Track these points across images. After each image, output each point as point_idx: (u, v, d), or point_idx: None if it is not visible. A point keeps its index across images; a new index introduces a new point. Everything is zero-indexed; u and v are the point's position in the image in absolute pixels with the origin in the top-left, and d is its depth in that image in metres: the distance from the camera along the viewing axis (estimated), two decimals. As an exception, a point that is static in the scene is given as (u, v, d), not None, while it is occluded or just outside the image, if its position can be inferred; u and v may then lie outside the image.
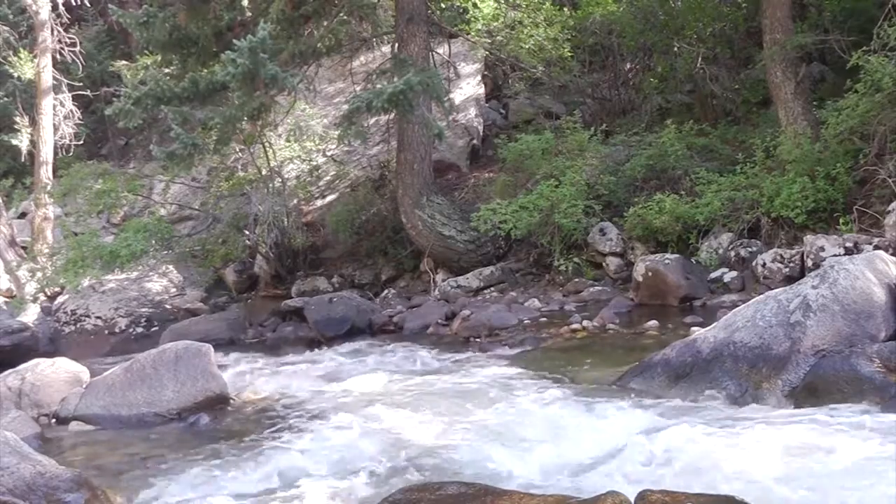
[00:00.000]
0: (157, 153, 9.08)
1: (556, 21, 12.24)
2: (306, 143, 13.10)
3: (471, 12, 12.75)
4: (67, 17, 15.15)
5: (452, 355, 7.09)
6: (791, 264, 7.63)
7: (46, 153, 14.20)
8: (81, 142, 15.56)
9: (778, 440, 4.01)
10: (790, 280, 6.91)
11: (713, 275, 8.23)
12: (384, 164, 12.14)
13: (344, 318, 8.74)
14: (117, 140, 18.23)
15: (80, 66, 15.27)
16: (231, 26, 9.68)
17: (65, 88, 15.13)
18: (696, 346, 5.24)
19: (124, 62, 15.52)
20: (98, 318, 10.87)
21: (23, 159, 15.81)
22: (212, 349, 6.28)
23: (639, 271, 8.22)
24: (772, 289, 6.00)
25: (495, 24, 12.56)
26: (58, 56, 14.87)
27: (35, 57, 14.62)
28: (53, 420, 6.04)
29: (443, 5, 13.03)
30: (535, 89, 14.04)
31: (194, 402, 5.88)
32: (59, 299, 11.34)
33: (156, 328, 10.46)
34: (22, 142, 15.54)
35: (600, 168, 9.76)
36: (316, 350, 8.14)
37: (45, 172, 14.08)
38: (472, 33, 12.65)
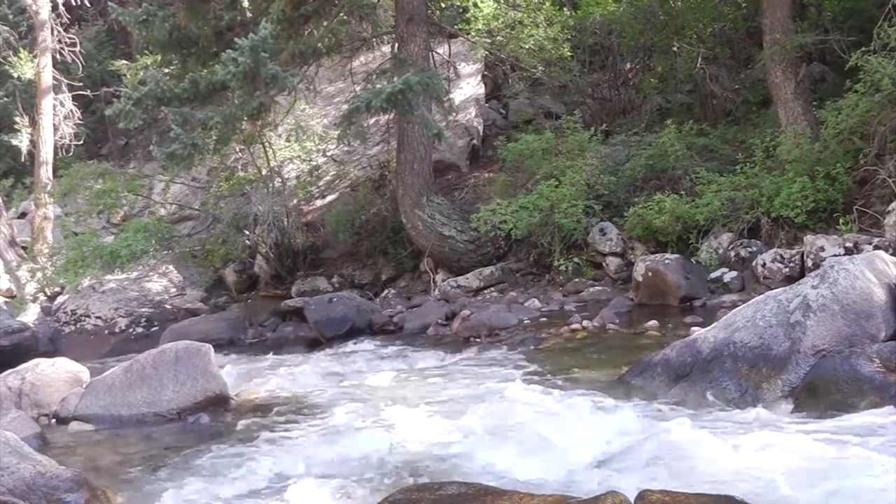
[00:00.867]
0: (157, 153, 9.07)
1: (556, 21, 12.24)
2: (306, 143, 13.10)
3: (471, 12, 12.75)
4: (67, 17, 15.17)
5: (452, 355, 7.09)
6: (791, 264, 7.63)
7: (46, 153, 14.20)
8: (81, 142, 15.57)
9: (778, 440, 4.01)
10: (790, 280, 6.91)
11: (713, 275, 8.23)
12: (384, 164, 12.14)
13: (344, 318, 8.74)
14: (117, 140, 18.24)
15: (80, 66, 15.28)
16: (231, 26, 9.68)
17: (65, 88, 15.14)
18: (696, 346, 5.24)
19: (124, 62, 15.53)
20: (98, 318, 10.87)
21: (23, 159, 15.82)
22: (212, 349, 6.28)
23: (639, 271, 8.22)
24: (772, 289, 5.99)
25: (495, 23, 12.56)
26: (58, 56, 14.88)
27: (35, 57, 14.63)
28: (53, 420, 6.03)
29: (443, 5, 13.03)
30: (535, 89, 14.05)
31: (194, 402, 5.88)
32: (59, 299, 11.34)
33: (156, 328, 10.46)
34: (22, 142, 15.55)
35: (600, 168, 9.76)
36: (316, 350, 8.14)
37: (45, 172, 14.08)
38: (472, 33, 12.65)
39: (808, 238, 7.68)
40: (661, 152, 9.54)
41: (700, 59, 11.09)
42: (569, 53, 12.33)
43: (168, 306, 11.21)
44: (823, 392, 4.54)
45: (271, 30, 8.34)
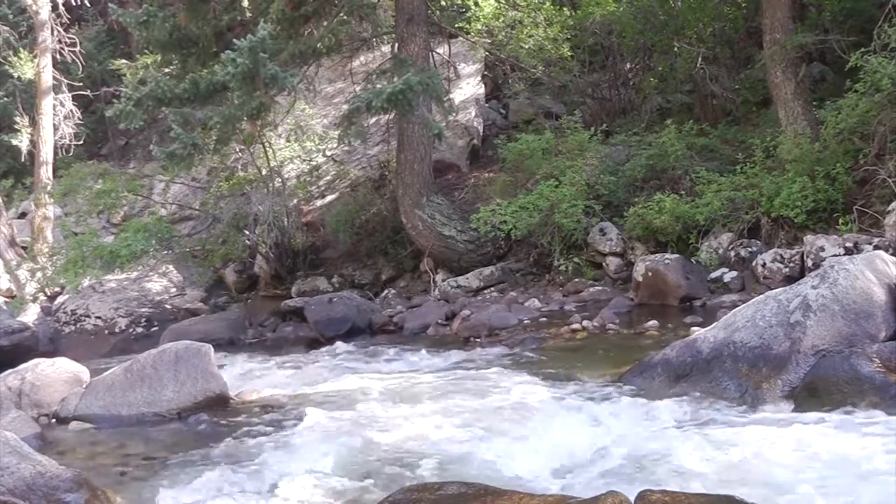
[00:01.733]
0: (157, 153, 9.08)
1: (556, 21, 12.24)
2: (306, 143, 13.10)
3: (471, 12, 12.75)
4: (67, 17, 15.15)
5: (452, 355, 7.08)
6: (791, 264, 7.63)
7: (46, 153, 14.19)
8: (81, 142, 15.55)
9: (778, 440, 4.01)
10: (790, 280, 6.91)
11: (713, 275, 8.23)
12: (384, 164, 12.13)
13: (344, 318, 8.74)
14: (117, 140, 18.23)
15: (80, 66, 15.27)
16: (231, 26, 9.68)
17: (65, 88, 15.12)
18: (696, 346, 5.24)
19: (124, 62, 15.51)
20: (98, 318, 10.87)
21: (23, 159, 15.80)
22: (212, 349, 6.28)
23: (639, 271, 8.22)
24: (772, 289, 5.99)
25: (495, 23, 12.56)
26: (58, 56, 14.87)
27: (35, 57, 14.61)
28: (53, 420, 6.03)
29: (443, 5, 13.02)
30: (535, 89, 14.04)
31: (194, 402, 5.88)
32: (59, 299, 11.34)
33: (156, 328, 10.46)
34: (22, 142, 15.54)
35: (600, 168, 9.76)
36: (316, 350, 8.14)
37: (45, 172, 14.08)
38: (472, 33, 12.65)
39: (808, 238, 7.68)
40: (661, 152, 9.54)
41: (700, 59, 11.09)
42: (569, 53, 12.33)
43: (168, 306, 11.21)
44: (823, 392, 4.54)
45: (271, 30, 8.35)
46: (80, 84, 15.56)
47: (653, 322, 7.20)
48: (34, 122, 14.70)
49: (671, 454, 3.95)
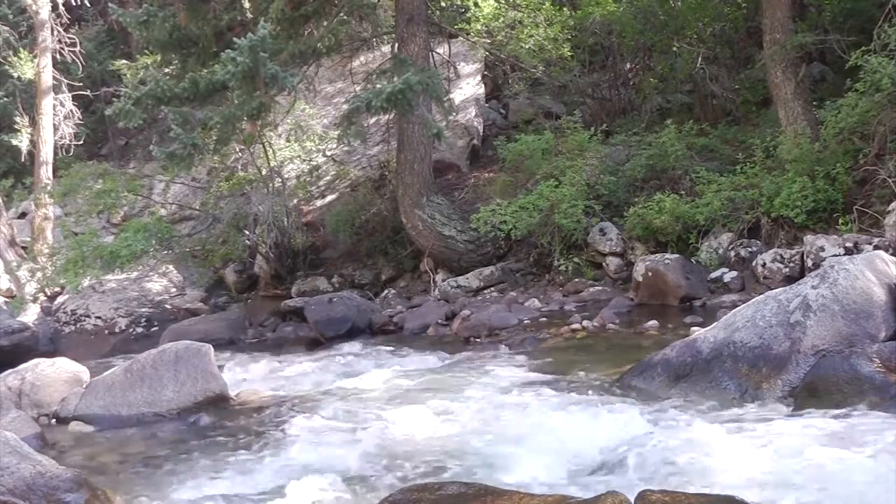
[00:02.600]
0: (157, 153, 9.07)
1: (556, 21, 12.23)
2: (306, 143, 13.09)
3: (471, 12, 12.75)
4: (67, 17, 15.14)
5: (452, 355, 7.09)
6: (791, 264, 7.63)
7: (46, 153, 14.19)
8: (81, 142, 15.55)
9: (778, 440, 4.01)
10: (790, 280, 6.91)
11: (713, 275, 8.23)
12: (384, 164, 12.13)
13: (344, 318, 8.74)
14: (117, 140, 18.23)
15: (80, 66, 15.27)
16: (231, 26, 9.67)
17: (65, 88, 15.12)
18: (696, 346, 5.24)
19: (124, 62, 15.51)
20: (98, 318, 10.87)
21: (23, 159, 15.80)
22: (212, 349, 6.28)
23: (639, 271, 8.22)
24: (772, 289, 5.99)
25: (495, 23, 12.56)
26: (58, 56, 14.86)
27: (35, 57, 14.61)
28: (53, 420, 6.03)
29: (443, 5, 13.02)
30: (535, 89, 14.04)
31: (194, 402, 5.88)
32: (59, 299, 11.33)
33: (156, 328, 10.46)
34: (22, 142, 15.53)
35: (600, 168, 9.76)
36: (316, 350, 8.14)
37: (45, 172, 14.07)
38: (472, 33, 12.65)
39: (808, 238, 7.68)
40: (661, 152, 9.54)
41: (700, 59, 11.09)
42: (569, 53, 12.33)
43: (168, 306, 11.21)
44: (823, 392, 4.54)
45: (271, 30, 8.34)
46: (80, 84, 15.56)
47: (653, 322, 7.20)
48: (34, 122, 14.69)
49: (671, 454, 3.95)
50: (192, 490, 4.22)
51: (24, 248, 13.37)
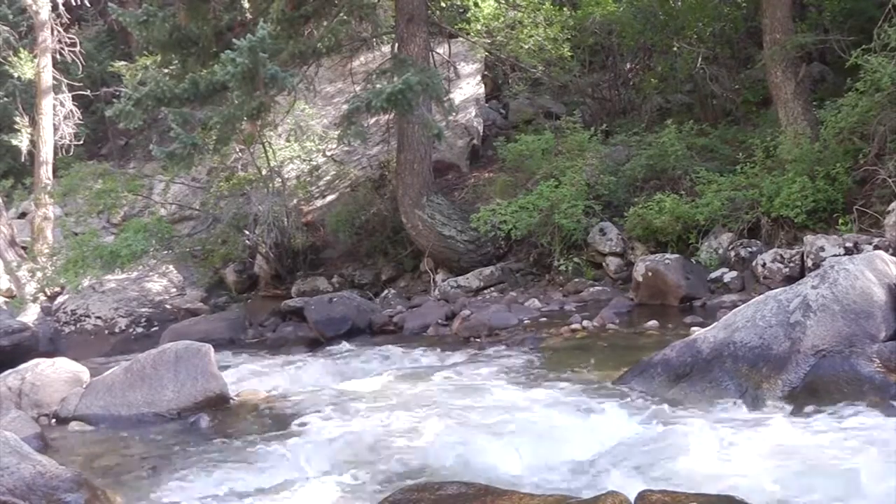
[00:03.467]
0: (157, 153, 9.06)
1: (556, 21, 12.23)
2: (306, 143, 13.09)
3: (471, 12, 12.75)
4: (67, 17, 15.13)
5: (452, 355, 7.09)
6: (791, 264, 7.63)
7: (46, 153, 14.19)
8: (81, 142, 15.55)
9: (778, 440, 4.01)
10: (790, 280, 6.91)
11: (713, 275, 8.23)
12: (384, 164, 12.13)
13: (344, 318, 8.74)
14: (117, 140, 18.22)
15: (80, 66, 15.26)
16: (231, 26, 9.67)
17: (65, 88, 15.12)
18: (696, 346, 5.24)
19: (124, 62, 15.50)
20: (98, 318, 10.87)
21: (23, 159, 15.79)
22: (212, 349, 6.28)
23: (639, 271, 8.22)
24: (772, 289, 5.99)
25: (495, 24, 12.55)
26: (58, 56, 14.86)
27: (35, 57, 14.61)
28: (53, 420, 6.03)
29: (443, 5, 13.02)
30: (535, 89, 14.05)
31: (194, 402, 5.88)
32: (59, 299, 11.34)
33: (156, 328, 10.46)
34: (22, 142, 15.52)
35: (600, 168, 9.76)
36: (316, 350, 8.13)
37: (45, 172, 14.07)
38: (472, 33, 12.65)
39: (808, 238, 7.68)
40: (661, 152, 9.55)
41: (700, 59, 11.09)
42: (569, 53, 12.33)
43: (168, 306, 11.21)
44: (823, 392, 4.54)
45: (271, 30, 8.34)
46: (80, 84, 15.56)
47: (653, 322, 7.20)
48: (34, 122, 14.69)
49: (671, 454, 3.95)
50: (191, 490, 4.22)
51: (24, 248, 13.37)
